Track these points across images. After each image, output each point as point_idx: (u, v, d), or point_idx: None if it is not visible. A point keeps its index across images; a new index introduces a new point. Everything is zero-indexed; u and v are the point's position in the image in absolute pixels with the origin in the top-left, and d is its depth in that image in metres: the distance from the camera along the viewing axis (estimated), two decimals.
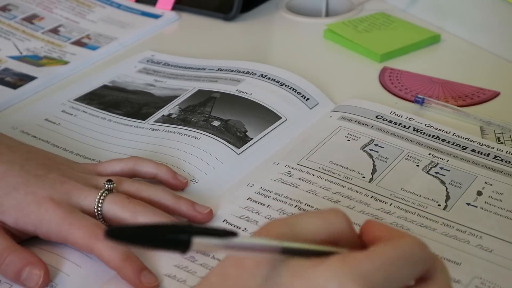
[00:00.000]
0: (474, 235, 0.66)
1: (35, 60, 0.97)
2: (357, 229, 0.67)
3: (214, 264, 0.63)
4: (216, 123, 0.81)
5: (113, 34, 1.03)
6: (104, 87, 0.90)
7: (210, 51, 0.99)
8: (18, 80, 0.92)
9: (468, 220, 0.68)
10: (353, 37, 1.00)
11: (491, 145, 0.78)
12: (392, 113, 0.83)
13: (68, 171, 0.68)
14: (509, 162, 0.75)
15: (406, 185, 0.72)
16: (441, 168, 0.75)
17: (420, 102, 0.86)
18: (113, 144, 0.80)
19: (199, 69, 0.93)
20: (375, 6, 1.10)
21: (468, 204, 0.70)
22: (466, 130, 0.81)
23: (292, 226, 0.46)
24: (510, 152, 0.77)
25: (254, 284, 0.45)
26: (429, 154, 0.77)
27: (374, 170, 0.74)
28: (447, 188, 0.72)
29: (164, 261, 0.64)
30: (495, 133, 0.81)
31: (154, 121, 0.82)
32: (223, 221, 0.68)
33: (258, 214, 0.69)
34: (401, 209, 0.69)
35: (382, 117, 0.82)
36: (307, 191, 0.71)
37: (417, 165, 0.75)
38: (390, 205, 0.70)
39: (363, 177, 0.73)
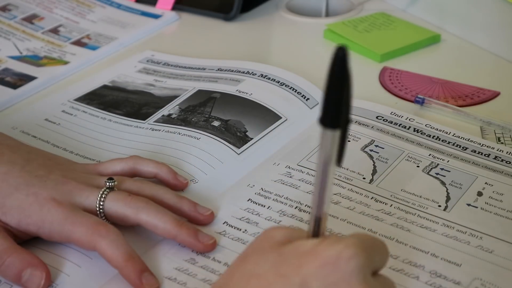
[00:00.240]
0: (475, 235, 0.66)
1: (35, 60, 0.97)
2: (357, 230, 0.67)
3: (214, 267, 0.63)
4: (216, 123, 0.81)
5: (113, 34, 1.03)
6: (104, 87, 0.90)
7: (210, 51, 0.99)
8: (18, 80, 0.92)
9: (468, 220, 0.68)
10: (353, 37, 1.00)
11: (492, 145, 0.78)
12: (392, 113, 0.83)
13: (69, 171, 0.68)
14: (510, 163, 0.75)
15: (407, 186, 0.72)
16: (442, 169, 0.75)
17: (420, 102, 0.86)
18: (113, 144, 0.80)
19: (199, 69, 0.93)
20: (375, 6, 1.10)
21: (469, 204, 0.70)
22: (466, 130, 0.81)
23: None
24: (510, 153, 0.77)
25: (260, 270, 0.50)
26: (430, 154, 0.77)
27: (374, 171, 0.74)
28: (447, 189, 0.72)
29: (165, 263, 0.64)
30: (495, 133, 0.81)
31: (154, 121, 0.82)
32: (224, 223, 0.68)
33: (259, 215, 0.69)
34: (402, 210, 0.69)
35: (383, 117, 0.82)
36: (307, 192, 0.71)
37: (418, 166, 0.75)
38: (391, 206, 0.70)
39: (363, 178, 0.73)
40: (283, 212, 0.69)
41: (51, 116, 0.84)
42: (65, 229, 0.63)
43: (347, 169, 0.74)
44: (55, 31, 1.04)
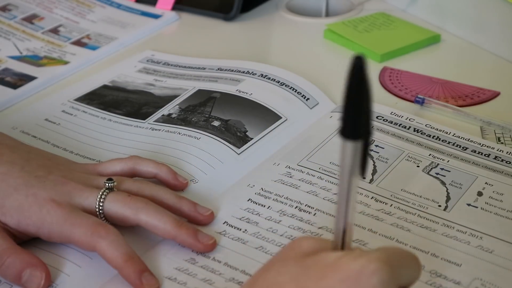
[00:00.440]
0: (475, 235, 0.66)
1: (35, 60, 0.97)
2: (357, 229, 0.67)
3: (214, 266, 0.63)
4: (216, 123, 0.81)
5: (113, 34, 1.03)
6: (104, 87, 0.90)
7: (210, 51, 0.99)
8: (18, 80, 0.92)
9: (468, 220, 0.68)
10: (353, 37, 1.00)
11: (492, 145, 0.78)
12: (392, 113, 0.83)
13: (68, 172, 0.68)
14: (510, 163, 0.75)
15: (407, 186, 0.72)
16: (442, 169, 0.75)
17: (420, 102, 0.86)
18: (113, 144, 0.80)
19: (199, 68, 0.93)
20: (375, 6, 1.10)
21: (469, 204, 0.70)
22: (466, 130, 0.81)
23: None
24: (510, 153, 0.77)
25: (281, 280, 0.49)
26: (430, 154, 0.77)
27: (374, 171, 0.74)
28: (447, 189, 0.72)
29: (165, 263, 0.64)
30: (495, 133, 0.81)
31: (154, 121, 0.82)
32: (224, 223, 0.68)
33: (259, 215, 0.69)
34: (402, 210, 0.69)
35: (383, 117, 0.82)
36: (307, 192, 0.71)
37: (418, 166, 0.75)
38: (391, 206, 0.70)
39: (364, 178, 0.73)
40: (283, 212, 0.69)
41: (51, 116, 0.84)
42: (64, 230, 0.63)
43: None
44: (55, 31, 1.04)
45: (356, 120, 0.47)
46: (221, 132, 0.80)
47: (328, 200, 0.70)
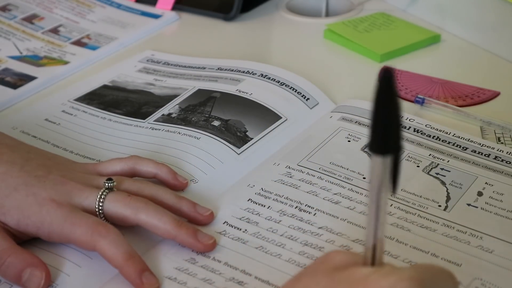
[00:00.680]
0: (475, 235, 0.66)
1: (35, 60, 0.97)
2: (357, 230, 0.67)
3: (214, 266, 0.63)
4: (216, 123, 0.81)
5: (113, 34, 1.03)
6: (104, 87, 0.90)
7: (210, 51, 0.99)
8: (18, 80, 0.92)
9: (468, 220, 0.68)
10: (353, 37, 1.00)
11: (492, 145, 0.78)
12: None
13: (68, 172, 0.68)
14: (510, 163, 0.75)
15: (407, 185, 0.72)
16: (442, 169, 0.75)
17: (420, 102, 0.86)
18: (113, 143, 0.80)
19: (199, 68, 0.93)
20: (375, 6, 1.10)
21: (469, 204, 0.70)
22: (466, 130, 0.81)
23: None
24: (510, 153, 0.77)
25: None
26: (430, 155, 0.77)
27: None
28: (447, 189, 0.72)
29: (165, 263, 0.64)
30: (495, 133, 0.81)
31: (154, 120, 0.82)
32: (224, 223, 0.68)
33: (259, 215, 0.69)
34: (402, 209, 0.69)
35: None
36: (307, 192, 0.71)
37: (418, 166, 0.75)
38: (391, 205, 0.70)
39: (363, 178, 0.73)
40: (283, 212, 0.69)
41: (51, 116, 0.84)
42: (64, 230, 0.63)
43: (347, 169, 0.74)
44: (55, 31, 1.04)
45: (385, 135, 0.46)
46: (221, 132, 0.80)
47: (328, 200, 0.70)
